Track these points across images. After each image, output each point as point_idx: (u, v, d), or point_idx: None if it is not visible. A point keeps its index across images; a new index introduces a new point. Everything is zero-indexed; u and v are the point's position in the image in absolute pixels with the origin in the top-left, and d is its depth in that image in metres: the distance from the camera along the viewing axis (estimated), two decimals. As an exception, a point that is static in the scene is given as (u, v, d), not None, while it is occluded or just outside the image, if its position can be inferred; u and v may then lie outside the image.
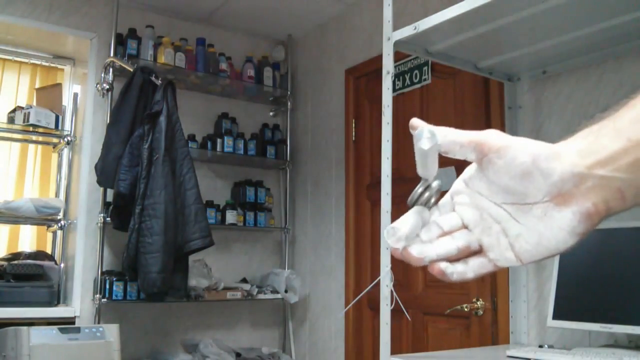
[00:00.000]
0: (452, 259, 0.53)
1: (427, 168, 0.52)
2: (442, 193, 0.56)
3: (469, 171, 0.54)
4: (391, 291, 1.78)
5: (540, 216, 0.49)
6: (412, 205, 0.54)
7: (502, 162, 0.49)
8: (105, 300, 2.95)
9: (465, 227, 0.54)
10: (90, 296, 3.01)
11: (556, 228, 0.49)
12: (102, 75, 3.15)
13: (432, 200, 0.54)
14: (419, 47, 2.00)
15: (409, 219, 0.53)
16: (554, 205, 0.49)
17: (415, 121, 0.52)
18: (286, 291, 3.41)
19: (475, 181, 0.52)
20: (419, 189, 0.54)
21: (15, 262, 2.93)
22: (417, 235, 0.53)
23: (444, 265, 0.53)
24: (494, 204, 0.52)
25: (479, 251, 0.53)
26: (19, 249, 3.37)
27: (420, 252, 0.52)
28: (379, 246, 1.85)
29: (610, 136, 0.47)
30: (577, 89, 2.15)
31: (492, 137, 0.50)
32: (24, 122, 3.16)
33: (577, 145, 0.49)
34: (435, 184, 0.54)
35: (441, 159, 0.53)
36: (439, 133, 0.51)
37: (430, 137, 0.50)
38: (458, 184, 0.54)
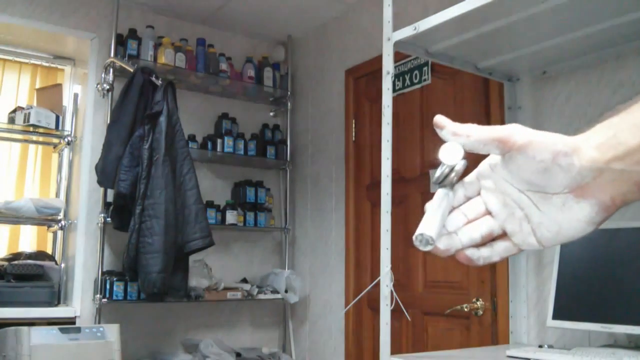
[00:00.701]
0: (477, 246, 0.56)
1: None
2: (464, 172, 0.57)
3: (494, 158, 0.55)
4: (391, 291, 1.78)
5: (559, 206, 0.52)
6: (439, 185, 0.56)
7: (524, 159, 0.51)
8: (105, 300, 2.95)
9: (488, 212, 0.56)
10: (90, 296, 3.02)
11: (574, 219, 0.51)
12: (103, 75, 3.15)
13: (455, 179, 0.56)
14: (419, 47, 2.00)
15: (434, 219, 0.54)
16: (573, 197, 0.51)
17: (440, 120, 0.54)
18: (286, 291, 3.41)
19: (500, 169, 0.54)
20: (445, 169, 0.55)
21: (16, 262, 2.93)
22: (444, 226, 0.55)
23: (469, 252, 0.55)
24: (517, 190, 0.54)
25: (502, 235, 0.56)
26: (20, 249, 3.37)
27: (447, 245, 0.55)
28: (379, 246, 1.85)
29: (629, 131, 0.49)
30: (577, 90, 2.15)
31: (514, 133, 0.51)
32: (24, 122, 3.16)
33: (597, 139, 0.50)
34: (459, 166, 0.55)
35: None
36: (463, 133, 0.52)
37: (456, 155, 0.53)
38: (484, 166, 0.56)
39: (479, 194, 0.57)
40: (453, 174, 0.55)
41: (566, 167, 0.50)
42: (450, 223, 0.55)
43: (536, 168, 0.51)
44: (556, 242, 0.53)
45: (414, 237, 0.53)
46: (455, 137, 0.53)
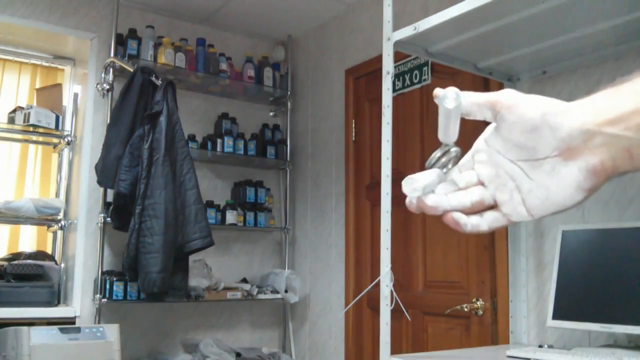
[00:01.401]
0: (467, 213, 0.55)
1: (448, 133, 0.54)
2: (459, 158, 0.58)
3: (488, 130, 0.56)
4: (391, 291, 1.78)
5: (549, 171, 0.51)
6: (430, 168, 0.56)
7: (513, 118, 0.51)
8: (105, 300, 2.95)
9: (481, 183, 0.56)
10: (90, 296, 3.02)
11: (563, 183, 0.50)
12: (103, 75, 3.15)
13: (450, 165, 0.56)
14: (419, 47, 2.00)
15: (426, 175, 0.55)
16: (561, 160, 0.50)
17: (438, 90, 0.55)
18: (286, 291, 3.41)
19: (493, 139, 0.54)
20: (437, 153, 0.56)
21: (16, 262, 2.93)
22: (432, 192, 0.55)
23: (457, 215, 0.55)
24: (509, 161, 0.53)
25: (493, 206, 0.55)
26: (20, 249, 3.37)
27: (435, 202, 0.55)
28: (379, 246, 1.85)
29: (625, 97, 0.48)
30: (577, 90, 2.15)
31: (505, 95, 0.52)
32: (24, 122, 3.16)
33: (590, 103, 0.50)
34: (454, 150, 0.56)
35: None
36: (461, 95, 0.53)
37: (455, 97, 0.53)
38: (479, 142, 0.56)
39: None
40: (445, 158, 0.56)
41: (555, 127, 0.49)
42: (441, 189, 0.56)
43: (525, 127, 0.50)
44: (545, 209, 0.52)
45: (403, 181, 0.54)
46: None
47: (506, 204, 0.54)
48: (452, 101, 0.53)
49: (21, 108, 3.21)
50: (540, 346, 1.94)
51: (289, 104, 3.75)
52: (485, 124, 0.57)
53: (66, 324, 2.73)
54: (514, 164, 0.53)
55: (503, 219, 0.55)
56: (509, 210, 0.54)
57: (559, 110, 0.50)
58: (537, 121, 0.50)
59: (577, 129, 0.49)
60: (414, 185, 0.54)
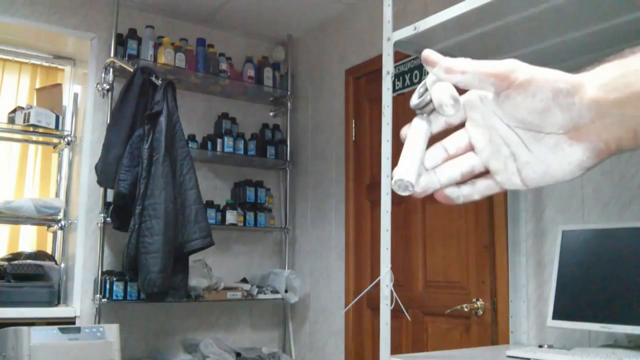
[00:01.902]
0: (457, 184, 0.53)
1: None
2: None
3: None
4: (391, 291, 1.78)
5: (551, 147, 0.49)
6: (417, 111, 0.53)
7: (522, 98, 0.48)
8: (105, 300, 2.95)
9: (471, 148, 0.53)
10: (90, 296, 3.02)
11: (565, 162, 0.49)
12: (103, 75, 3.15)
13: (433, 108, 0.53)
14: (419, 47, 2.00)
15: (413, 161, 0.52)
16: (567, 139, 0.48)
17: (431, 55, 0.51)
18: (286, 291, 3.41)
19: (491, 104, 0.51)
20: (427, 96, 0.52)
21: (16, 262, 2.93)
22: (421, 164, 0.52)
23: (449, 191, 0.53)
24: (506, 126, 0.51)
25: (484, 173, 0.53)
26: (19, 249, 3.37)
27: (424, 187, 0.53)
28: (379, 246, 1.85)
29: (635, 75, 0.47)
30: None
31: (515, 69, 0.48)
32: (24, 122, 3.16)
33: (601, 79, 0.48)
34: None
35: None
36: (458, 69, 0.49)
37: (454, 104, 0.50)
38: (473, 96, 0.52)
39: (461, 122, 0.53)
40: (433, 103, 0.52)
41: (566, 107, 0.47)
42: (429, 159, 0.53)
43: (535, 107, 0.48)
44: (541, 183, 0.51)
45: (392, 182, 0.52)
46: (450, 74, 0.49)
47: (500, 173, 0.52)
48: (451, 110, 0.50)
49: (21, 108, 3.21)
50: (540, 346, 1.93)
51: (289, 104, 3.75)
52: None
53: (66, 324, 2.73)
54: (511, 130, 0.50)
55: (496, 187, 0.53)
56: (503, 179, 0.52)
57: (570, 87, 0.47)
58: (548, 103, 0.47)
59: (587, 108, 0.47)
60: (403, 183, 0.51)
